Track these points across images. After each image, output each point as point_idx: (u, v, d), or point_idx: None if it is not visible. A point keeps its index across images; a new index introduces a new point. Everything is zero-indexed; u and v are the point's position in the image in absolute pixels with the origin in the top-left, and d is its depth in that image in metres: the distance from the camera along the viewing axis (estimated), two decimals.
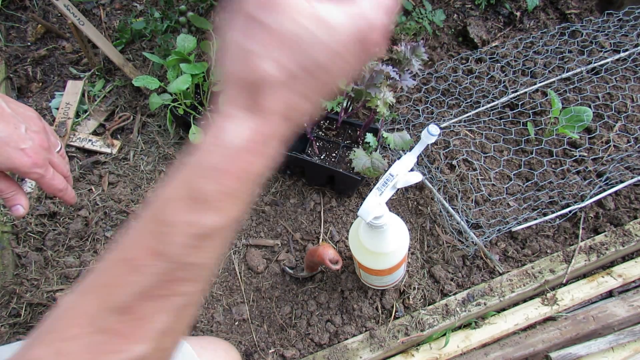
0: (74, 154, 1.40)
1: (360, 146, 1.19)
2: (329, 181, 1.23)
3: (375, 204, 0.81)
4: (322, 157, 1.20)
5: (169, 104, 1.25)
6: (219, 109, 0.32)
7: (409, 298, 1.08)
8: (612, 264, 1.14)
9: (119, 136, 1.45)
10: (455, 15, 1.60)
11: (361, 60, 0.33)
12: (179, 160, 0.34)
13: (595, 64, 1.39)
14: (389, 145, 1.07)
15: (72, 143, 1.42)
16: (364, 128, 1.19)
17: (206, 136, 0.32)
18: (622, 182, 1.17)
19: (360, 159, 1.05)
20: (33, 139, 0.65)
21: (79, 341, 0.32)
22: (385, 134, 1.07)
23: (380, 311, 1.08)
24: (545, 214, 1.15)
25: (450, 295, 1.08)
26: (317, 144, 1.21)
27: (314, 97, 0.33)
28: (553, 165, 1.24)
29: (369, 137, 1.11)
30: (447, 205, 1.17)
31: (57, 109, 1.49)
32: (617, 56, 1.40)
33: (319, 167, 1.17)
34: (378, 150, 1.15)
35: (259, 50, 0.29)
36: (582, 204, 1.14)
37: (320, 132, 1.23)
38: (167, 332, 0.34)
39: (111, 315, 0.32)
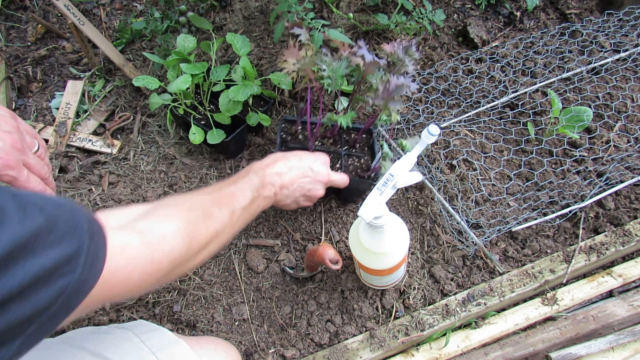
0: (74, 154, 1.40)
1: (366, 173, 1.14)
2: (335, 191, 1.19)
3: (375, 204, 0.81)
4: None
5: (169, 104, 1.25)
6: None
7: (409, 298, 1.08)
8: (612, 264, 1.14)
9: (119, 136, 1.45)
10: (456, 15, 1.60)
11: (317, 172, 1.00)
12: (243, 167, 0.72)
13: (596, 64, 1.39)
14: (405, 151, 1.04)
15: (72, 143, 1.42)
16: (362, 132, 1.17)
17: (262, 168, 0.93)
18: (622, 182, 1.17)
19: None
20: (4, 139, 0.62)
21: (202, 201, 0.75)
22: (402, 142, 1.02)
23: (380, 311, 1.08)
24: (545, 214, 1.15)
25: (450, 295, 1.08)
26: None
27: (296, 177, 0.97)
28: (553, 165, 1.24)
29: (385, 146, 1.06)
30: (447, 205, 1.17)
31: (57, 109, 1.49)
32: (617, 56, 1.40)
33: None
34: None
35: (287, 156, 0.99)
36: (582, 204, 1.14)
37: (317, 143, 1.18)
38: (235, 215, 0.78)
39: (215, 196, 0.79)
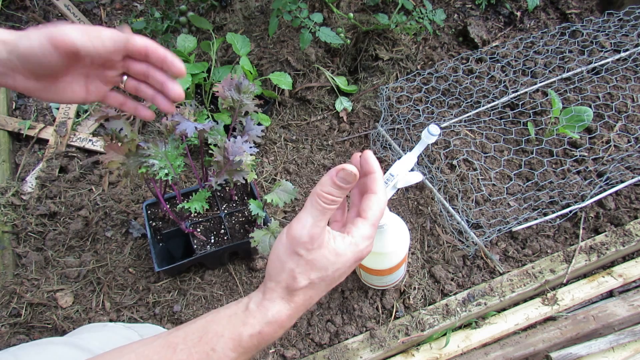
0: (75, 154, 1.40)
1: (253, 227, 1.08)
2: (234, 255, 1.17)
3: None
4: (212, 240, 1.08)
5: None
6: (264, 294, 0.49)
7: (409, 298, 1.08)
8: (613, 263, 1.14)
9: None
10: (456, 15, 1.60)
11: (354, 268, 0.52)
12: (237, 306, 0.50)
13: (596, 64, 1.39)
14: (275, 204, 0.96)
15: (72, 143, 1.42)
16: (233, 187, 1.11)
17: (256, 308, 0.48)
18: (622, 182, 1.17)
19: (263, 241, 0.93)
20: None
21: None
22: (266, 197, 0.97)
23: (380, 311, 1.08)
24: (545, 214, 1.15)
25: (450, 295, 1.08)
26: (198, 230, 1.09)
27: (324, 292, 0.51)
28: (553, 165, 1.24)
29: (253, 207, 1.00)
30: (447, 205, 1.17)
31: (58, 109, 1.49)
32: (617, 56, 1.40)
33: (215, 253, 1.06)
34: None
35: (298, 270, 0.48)
36: (583, 204, 1.14)
37: (193, 217, 1.10)
38: None
39: None
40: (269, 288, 0.49)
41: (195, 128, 0.89)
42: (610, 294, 1.11)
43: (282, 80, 1.26)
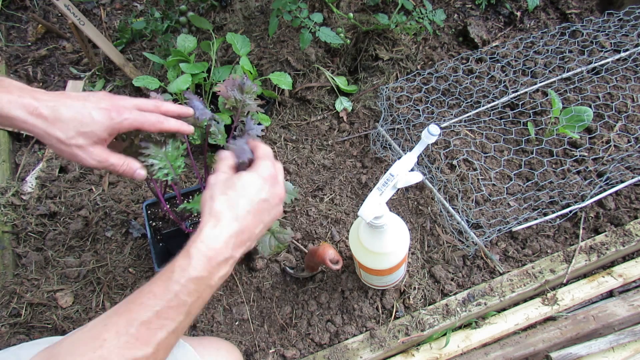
0: None
1: None
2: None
3: (375, 204, 0.81)
4: None
5: None
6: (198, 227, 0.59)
7: (409, 298, 1.08)
8: (613, 263, 1.14)
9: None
10: (456, 15, 1.60)
11: (270, 193, 0.64)
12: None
13: (596, 64, 1.39)
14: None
15: None
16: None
17: (194, 235, 0.58)
18: (622, 182, 1.17)
19: (263, 241, 0.88)
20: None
21: (114, 340, 0.51)
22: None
23: (380, 311, 1.08)
24: (545, 214, 1.15)
25: (450, 295, 1.08)
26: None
27: (252, 215, 0.61)
28: (553, 165, 1.24)
29: None
30: (447, 205, 1.17)
31: None
32: (617, 56, 1.40)
33: None
34: None
35: (211, 192, 0.61)
36: (583, 204, 1.14)
37: (193, 218, 1.07)
38: (161, 345, 0.53)
39: (138, 325, 0.52)
40: (200, 221, 0.59)
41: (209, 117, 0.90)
42: (610, 294, 1.11)
43: (282, 80, 1.26)
